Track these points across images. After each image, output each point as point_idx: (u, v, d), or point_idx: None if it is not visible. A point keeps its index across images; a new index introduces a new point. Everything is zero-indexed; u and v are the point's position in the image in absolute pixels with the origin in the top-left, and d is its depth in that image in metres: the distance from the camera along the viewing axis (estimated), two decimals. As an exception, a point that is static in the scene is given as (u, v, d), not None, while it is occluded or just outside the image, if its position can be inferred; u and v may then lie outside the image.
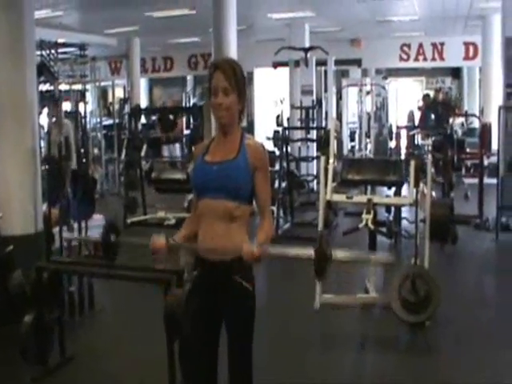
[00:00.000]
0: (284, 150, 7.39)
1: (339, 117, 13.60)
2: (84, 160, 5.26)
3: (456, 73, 17.16)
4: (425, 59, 14.70)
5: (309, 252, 2.21)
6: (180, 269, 3.19)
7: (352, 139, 13.33)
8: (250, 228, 2.35)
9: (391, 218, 6.79)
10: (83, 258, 4.74)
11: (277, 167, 7.46)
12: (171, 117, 8.24)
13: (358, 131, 12.88)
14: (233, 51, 8.78)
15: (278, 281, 5.63)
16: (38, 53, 10.06)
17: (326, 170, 4.59)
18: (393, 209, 6.72)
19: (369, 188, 6.80)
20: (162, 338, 2.90)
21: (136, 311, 4.63)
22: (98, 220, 6.20)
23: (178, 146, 10.29)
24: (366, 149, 12.30)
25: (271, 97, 15.70)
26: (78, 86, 11.09)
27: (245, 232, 2.31)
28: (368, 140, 12.61)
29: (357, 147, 12.83)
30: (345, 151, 12.73)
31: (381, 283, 5.03)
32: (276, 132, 7.46)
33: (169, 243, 2.32)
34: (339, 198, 4.65)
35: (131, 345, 4.02)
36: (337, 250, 2.25)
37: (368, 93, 13.12)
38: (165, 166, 8.51)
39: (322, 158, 4.67)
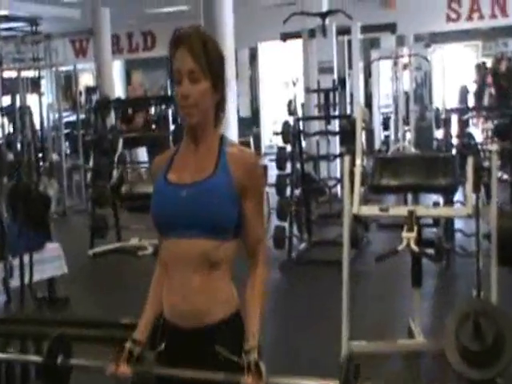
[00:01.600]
0: (297, 146, 7.14)
1: (368, 99, 13.35)
2: (30, 172, 4.95)
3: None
4: (481, 17, 14.17)
5: None
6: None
7: (386, 127, 13.07)
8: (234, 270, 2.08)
9: (440, 231, 6.50)
10: (25, 311, 4.47)
11: (288, 169, 7.22)
12: (129, 111, 8.02)
13: (393, 117, 12.66)
14: (228, 22, 8.57)
15: (293, 323, 5.41)
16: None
17: (352, 173, 4.29)
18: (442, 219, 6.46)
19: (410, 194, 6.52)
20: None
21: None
22: (53, 251, 5.92)
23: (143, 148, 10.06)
24: (404, 139, 12.05)
25: (281, 78, 15.51)
26: (31, 73, 10.90)
27: (230, 279, 2.04)
28: (407, 128, 12.40)
29: (392, 137, 12.59)
30: (377, 144, 12.51)
31: (430, 323, 4.82)
32: (286, 124, 7.19)
33: (134, 368, 2.04)
34: (370, 210, 4.37)
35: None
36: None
37: (405, 66, 12.89)
38: (139, 177, 8.25)
39: (346, 158, 4.36)
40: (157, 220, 2.04)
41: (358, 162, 4.32)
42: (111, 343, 3.11)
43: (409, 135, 12.44)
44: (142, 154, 10.33)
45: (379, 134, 13.11)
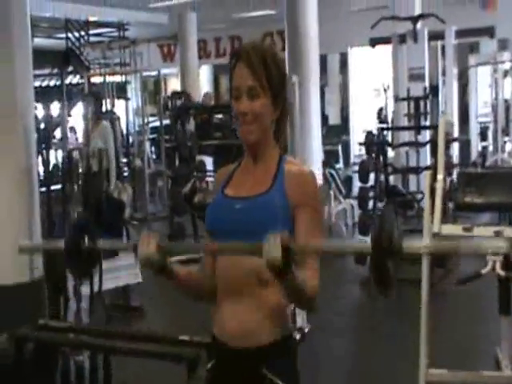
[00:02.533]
0: (381, 158, 6.99)
1: (464, 108, 12.97)
2: (100, 177, 5.06)
3: None
4: None
5: (363, 245, 1.76)
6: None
7: (483, 138, 12.66)
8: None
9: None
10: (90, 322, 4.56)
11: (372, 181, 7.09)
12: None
13: (491, 126, 12.24)
14: (312, 26, 8.51)
15: (370, 342, 5.32)
16: (64, 35, 10.28)
17: (433, 189, 4.15)
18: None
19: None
20: None
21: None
22: (127, 258, 6.00)
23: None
24: (503, 151, 11.64)
25: (372, 85, 15.33)
26: (117, 78, 11.21)
27: (283, 302, 1.98)
28: (506, 139, 11.97)
29: (490, 149, 12.17)
30: (473, 155, 12.14)
31: None
32: (370, 134, 7.05)
33: (161, 245, 1.89)
34: (452, 229, 4.19)
35: None
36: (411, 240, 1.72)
37: (507, 73, 12.46)
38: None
39: (427, 173, 4.24)
40: (210, 232, 2.05)
41: (440, 177, 4.18)
42: (166, 359, 3.15)
43: (509, 146, 12.01)
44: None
45: (477, 145, 12.71)
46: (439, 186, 4.18)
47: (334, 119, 17.36)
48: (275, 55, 2.01)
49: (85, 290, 4.79)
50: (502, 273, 3.93)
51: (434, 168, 4.31)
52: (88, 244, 2.04)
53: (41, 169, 5.22)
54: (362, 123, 15.35)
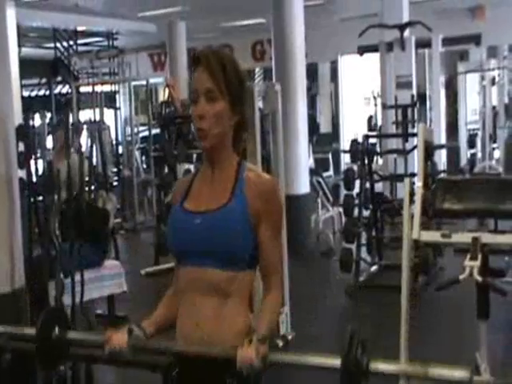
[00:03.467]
0: (366, 165, 7.01)
1: (454, 116, 13.03)
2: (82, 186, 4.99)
3: None
4: None
5: (333, 361, 1.89)
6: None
7: (472, 145, 12.75)
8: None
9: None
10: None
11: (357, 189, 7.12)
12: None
13: (480, 134, 12.29)
14: (299, 34, 8.53)
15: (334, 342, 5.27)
16: (52, 45, 10.29)
17: (411, 195, 4.18)
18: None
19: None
20: None
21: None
22: (112, 268, 6.00)
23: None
24: (491, 158, 11.70)
25: (363, 93, 15.40)
26: (107, 87, 11.22)
27: (245, 310, 2.02)
28: (495, 145, 12.01)
29: (479, 156, 12.24)
30: (463, 161, 12.20)
31: (500, 359, 4.58)
32: (354, 142, 7.07)
33: (131, 340, 2.03)
34: (431, 236, 4.22)
35: None
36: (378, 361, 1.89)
37: (494, 80, 12.52)
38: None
39: (406, 180, 4.27)
40: (172, 247, 2.06)
41: (419, 184, 4.20)
42: (143, 367, 3.15)
43: (496, 153, 12.06)
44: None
45: (466, 152, 12.77)
46: (418, 193, 4.21)
47: (326, 127, 17.41)
48: (234, 62, 2.02)
49: (67, 299, 4.78)
50: (479, 278, 3.94)
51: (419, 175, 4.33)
52: (58, 334, 2.12)
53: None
54: (353, 131, 15.41)
